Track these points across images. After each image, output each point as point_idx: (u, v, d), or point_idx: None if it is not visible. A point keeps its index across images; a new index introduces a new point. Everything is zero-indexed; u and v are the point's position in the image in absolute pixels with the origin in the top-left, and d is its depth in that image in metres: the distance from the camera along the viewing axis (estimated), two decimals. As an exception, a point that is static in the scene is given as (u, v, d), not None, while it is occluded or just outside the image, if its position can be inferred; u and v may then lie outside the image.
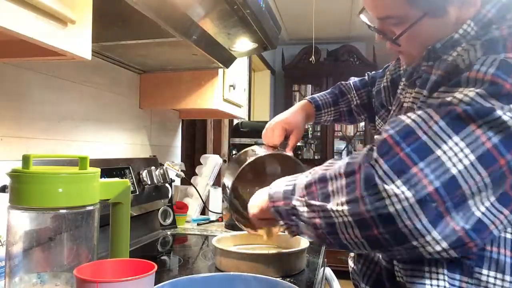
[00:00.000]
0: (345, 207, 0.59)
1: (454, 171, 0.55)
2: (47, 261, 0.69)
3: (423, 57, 0.73)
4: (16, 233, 0.67)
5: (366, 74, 1.15)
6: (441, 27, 0.70)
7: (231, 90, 1.68)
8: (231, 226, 1.64)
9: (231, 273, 0.85)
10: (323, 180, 0.65)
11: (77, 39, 0.70)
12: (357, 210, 0.58)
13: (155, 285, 0.66)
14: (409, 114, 0.61)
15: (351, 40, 4.47)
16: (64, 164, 0.89)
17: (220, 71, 1.55)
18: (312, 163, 4.35)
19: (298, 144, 1.60)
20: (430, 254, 0.58)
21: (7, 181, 0.69)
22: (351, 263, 0.84)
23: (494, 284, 0.62)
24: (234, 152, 1.75)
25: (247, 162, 0.99)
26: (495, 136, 0.55)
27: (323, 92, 1.17)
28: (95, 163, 1.12)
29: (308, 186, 0.68)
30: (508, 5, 0.68)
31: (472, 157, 0.55)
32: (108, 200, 0.76)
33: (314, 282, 1.02)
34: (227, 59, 1.45)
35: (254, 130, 1.67)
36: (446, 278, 0.63)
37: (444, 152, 0.55)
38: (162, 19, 0.98)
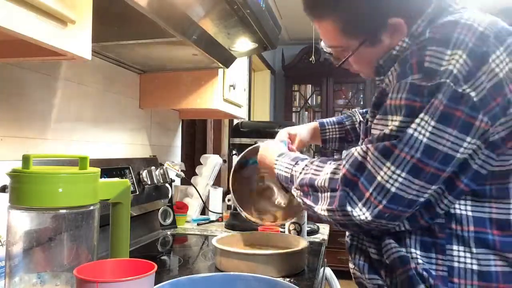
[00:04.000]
0: (326, 213, 0.77)
1: (393, 189, 0.69)
2: (47, 261, 0.69)
3: (374, 73, 0.87)
4: (16, 233, 0.67)
5: None
6: (379, 50, 0.83)
7: (231, 90, 1.68)
8: (231, 226, 1.64)
9: (231, 273, 0.85)
10: (312, 186, 0.81)
11: (77, 39, 0.70)
12: (334, 217, 0.76)
13: (155, 285, 0.66)
14: (356, 147, 0.76)
15: (351, 40, 4.47)
16: (64, 164, 0.90)
17: (220, 71, 1.55)
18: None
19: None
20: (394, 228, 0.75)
21: (7, 181, 0.69)
22: (351, 264, 0.87)
23: (465, 257, 0.71)
24: (234, 152, 1.74)
25: (240, 156, 1.12)
26: (416, 153, 0.68)
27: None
28: (95, 163, 1.12)
29: (301, 185, 0.85)
30: (435, 14, 0.77)
31: (403, 174, 0.69)
32: (108, 200, 0.76)
33: (314, 282, 1.02)
34: (227, 59, 1.45)
35: (254, 130, 1.67)
36: (424, 258, 0.74)
37: (382, 177, 0.70)
38: (162, 19, 0.98)
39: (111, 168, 1.27)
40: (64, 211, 0.67)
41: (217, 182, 1.95)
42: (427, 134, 0.67)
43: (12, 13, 0.58)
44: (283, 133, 1.20)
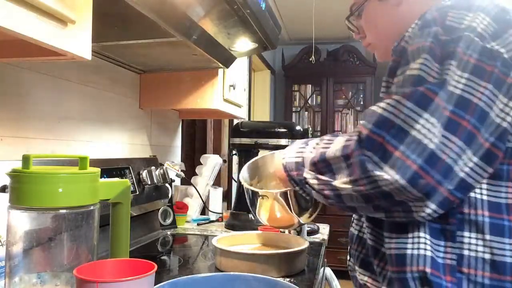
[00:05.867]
0: (349, 186, 0.66)
1: (431, 146, 0.60)
2: (47, 261, 0.69)
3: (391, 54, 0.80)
4: (16, 233, 0.67)
5: None
6: (387, 11, 0.83)
7: (231, 90, 1.68)
8: (231, 226, 1.64)
9: (231, 273, 0.85)
10: (324, 160, 0.71)
11: (77, 39, 0.70)
12: (359, 188, 0.65)
13: (155, 285, 0.66)
14: (378, 103, 0.66)
15: (351, 40, 4.46)
16: (64, 164, 0.90)
17: (220, 71, 1.55)
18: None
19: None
20: (422, 217, 0.65)
21: (7, 181, 0.69)
22: (348, 256, 0.87)
23: (476, 245, 0.65)
24: (234, 152, 1.74)
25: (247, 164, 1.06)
26: (448, 105, 0.61)
27: None
28: (95, 163, 1.12)
29: (313, 163, 0.74)
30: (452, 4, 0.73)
31: (441, 129, 0.60)
32: (108, 200, 0.76)
33: (314, 282, 1.02)
34: (227, 59, 1.45)
35: (254, 130, 1.67)
36: (428, 246, 0.66)
37: (419, 131, 0.60)
38: (162, 19, 0.98)
39: (111, 168, 1.27)
40: (64, 211, 0.67)
41: (217, 182, 1.95)
42: (460, 85, 0.62)
43: (12, 13, 0.58)
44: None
